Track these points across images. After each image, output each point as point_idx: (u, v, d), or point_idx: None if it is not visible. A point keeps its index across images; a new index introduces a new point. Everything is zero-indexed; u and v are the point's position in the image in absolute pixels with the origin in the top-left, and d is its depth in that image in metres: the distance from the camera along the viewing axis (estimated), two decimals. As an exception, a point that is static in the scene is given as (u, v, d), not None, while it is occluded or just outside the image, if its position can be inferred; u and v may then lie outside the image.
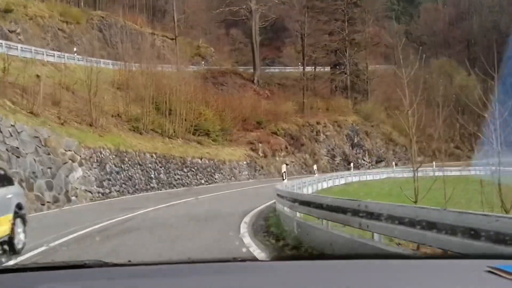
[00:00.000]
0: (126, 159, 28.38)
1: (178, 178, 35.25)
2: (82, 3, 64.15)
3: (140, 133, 34.30)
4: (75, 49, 43.62)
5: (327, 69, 73.17)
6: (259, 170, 47.92)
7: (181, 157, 36.37)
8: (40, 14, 51.70)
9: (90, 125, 28.67)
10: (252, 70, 69.98)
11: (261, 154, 49.50)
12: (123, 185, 27.19)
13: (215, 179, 40.17)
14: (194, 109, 44.70)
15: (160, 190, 31.95)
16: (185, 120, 42.02)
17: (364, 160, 64.87)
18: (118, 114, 34.68)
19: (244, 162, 45.79)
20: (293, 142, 55.56)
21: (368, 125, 67.64)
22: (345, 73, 70.95)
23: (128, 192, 27.46)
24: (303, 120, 59.69)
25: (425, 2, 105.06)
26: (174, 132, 39.75)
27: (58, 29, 52.13)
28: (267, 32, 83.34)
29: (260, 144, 49.87)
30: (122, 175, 27.30)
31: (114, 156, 27.06)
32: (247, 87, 64.55)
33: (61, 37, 51.61)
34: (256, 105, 57.05)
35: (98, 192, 24.59)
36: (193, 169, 37.45)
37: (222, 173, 41.36)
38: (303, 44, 66.55)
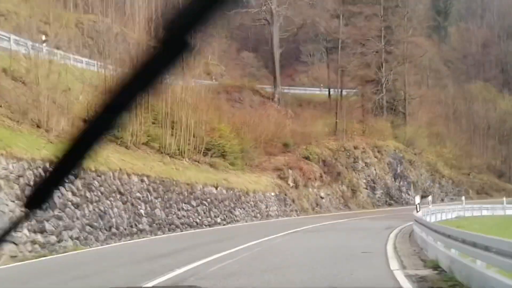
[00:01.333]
0: (96, 183, 16.75)
1: (183, 216, 23.62)
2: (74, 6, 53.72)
3: (126, 147, 22.83)
4: (43, 37, 32.44)
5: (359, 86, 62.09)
6: (290, 205, 36.25)
7: (188, 184, 24.81)
8: (15, 11, 41.09)
9: (38, 127, 17.37)
10: (272, 88, 59.04)
11: (291, 184, 37.89)
12: (88, 228, 15.43)
13: (235, 216, 28.55)
14: (205, 122, 33.49)
15: (155, 234, 20.36)
16: (194, 135, 30.68)
17: (408, 194, 53.09)
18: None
19: (272, 194, 34.19)
20: (328, 170, 44.00)
21: (410, 153, 56.10)
22: (381, 91, 59.95)
23: (97, 240, 15.77)
24: (337, 143, 48.22)
25: (460, 20, 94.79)
26: (179, 149, 28.32)
27: (39, 31, 41.46)
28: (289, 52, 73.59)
29: (290, 171, 38.30)
30: (86, 211, 15.55)
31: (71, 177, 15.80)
32: (267, 106, 53.28)
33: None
34: (280, 123, 45.71)
35: (34, 243, 12.92)
36: (205, 202, 25.84)
37: (244, 208, 29.73)
38: (337, 55, 55.62)
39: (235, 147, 35.34)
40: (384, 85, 59.59)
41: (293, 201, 36.88)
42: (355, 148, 49.49)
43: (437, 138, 63.48)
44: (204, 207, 25.67)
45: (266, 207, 32.71)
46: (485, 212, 41.01)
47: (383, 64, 59.65)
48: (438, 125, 64.76)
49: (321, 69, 67.63)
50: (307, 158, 42.21)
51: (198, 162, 30.42)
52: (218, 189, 27.64)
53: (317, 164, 42.77)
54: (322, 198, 41.23)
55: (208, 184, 26.71)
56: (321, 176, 42.03)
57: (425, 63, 71.04)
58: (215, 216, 26.32)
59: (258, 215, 31.32)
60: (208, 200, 26.25)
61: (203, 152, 31.64)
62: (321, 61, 70.11)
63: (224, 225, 26.92)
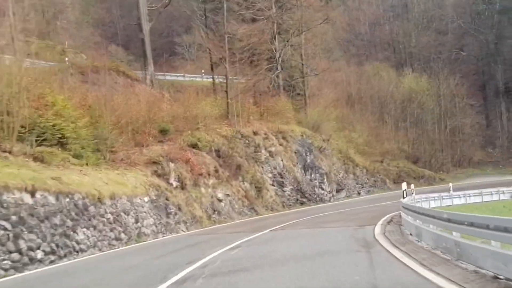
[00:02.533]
0: None
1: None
2: None
3: None
4: None
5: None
6: (175, 214, 23.97)
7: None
8: None
9: None
10: (143, 73, 46.46)
11: (174, 183, 25.66)
12: None
13: (76, 243, 15.92)
14: (33, 98, 20.72)
15: None
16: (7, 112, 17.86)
17: (322, 188, 42.80)
18: None
19: (146, 199, 21.75)
20: (224, 163, 32.34)
21: (319, 139, 45.97)
22: (277, 68, 49.46)
23: None
24: (232, 129, 36.69)
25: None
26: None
27: None
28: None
29: (171, 165, 26.06)
30: None
31: None
32: (136, 88, 40.59)
33: None
34: (154, 105, 33.31)
35: None
36: (11, 220, 13.16)
37: (95, 228, 17.13)
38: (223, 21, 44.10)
39: (83, 132, 22.60)
40: (279, 60, 49.21)
41: (179, 208, 24.61)
42: (255, 134, 38.24)
43: (343, 121, 54.23)
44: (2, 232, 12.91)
45: (136, 221, 20.22)
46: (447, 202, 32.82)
47: (276, 36, 49.37)
48: (342, 107, 55.52)
49: (202, 60, 55.91)
50: (195, 146, 30.16)
51: (10, 152, 17.44)
52: (38, 196, 14.90)
53: (209, 155, 30.92)
54: (220, 201, 29.39)
55: (12, 188, 13.91)
56: (216, 171, 30.20)
57: (319, 41, 61.89)
58: (29, 249, 13.60)
59: (123, 235, 18.81)
60: (13, 218, 13.50)
61: (24, 138, 18.72)
62: (200, 51, 58.47)
63: (48, 264, 14.28)
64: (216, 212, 28.18)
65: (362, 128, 54.36)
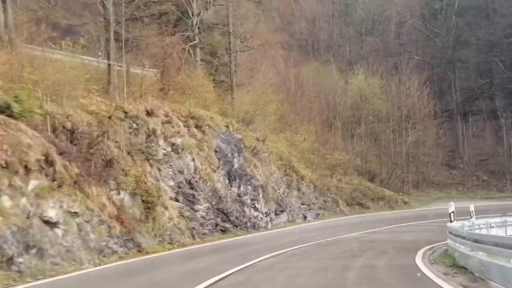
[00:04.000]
0: None
1: None
2: None
3: None
4: None
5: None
6: None
7: None
8: None
9: None
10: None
11: None
12: None
13: None
14: None
15: None
16: None
17: (256, 208, 28.02)
18: None
19: None
20: (79, 154, 17.07)
21: (251, 136, 31.40)
22: (194, 38, 34.72)
23: None
24: (111, 104, 21.40)
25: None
26: None
27: None
28: None
29: None
30: None
31: None
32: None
33: None
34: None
35: None
36: None
37: None
38: None
39: None
40: (196, 28, 34.51)
41: None
42: (150, 114, 22.92)
43: (284, 120, 40.05)
44: None
45: None
46: None
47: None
48: (283, 101, 41.31)
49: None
50: (6, 110, 14.72)
51: None
52: None
53: (40, 133, 15.50)
54: (52, 225, 13.99)
55: None
56: (50, 163, 14.81)
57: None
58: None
59: None
60: None
61: None
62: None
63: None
64: (29, 252, 12.67)
65: (307, 131, 40.27)
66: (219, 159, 26.24)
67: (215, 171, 25.70)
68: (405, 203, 44.15)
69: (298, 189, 34.63)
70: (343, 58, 67.64)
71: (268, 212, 29.01)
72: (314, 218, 35.02)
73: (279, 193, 31.81)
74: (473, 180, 56.39)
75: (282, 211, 31.74)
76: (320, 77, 52.76)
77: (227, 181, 26.49)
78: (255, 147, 30.31)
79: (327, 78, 53.44)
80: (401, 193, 46.10)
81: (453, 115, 61.86)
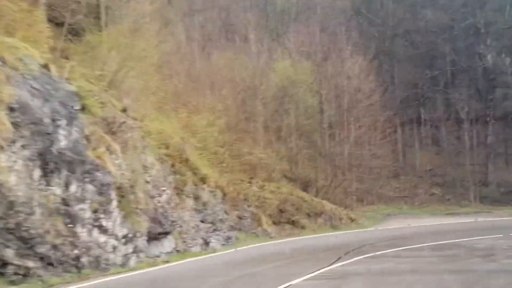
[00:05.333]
0: None
1: None
2: None
3: None
4: None
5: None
6: None
7: None
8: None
9: None
10: None
11: None
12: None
13: None
14: None
15: None
16: None
17: (103, 230, 14.54)
18: None
19: None
20: None
21: (108, 102, 17.94)
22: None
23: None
24: None
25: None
26: None
27: None
28: None
29: None
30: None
31: None
32: None
33: None
34: None
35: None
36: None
37: None
38: None
39: None
40: None
41: None
42: None
43: (178, 94, 26.72)
44: None
45: None
46: None
47: None
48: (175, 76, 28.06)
49: None
50: None
51: None
52: None
53: None
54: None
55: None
56: None
57: None
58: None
59: None
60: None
61: None
62: None
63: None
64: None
65: (214, 114, 27.10)
66: (18, 126, 12.57)
67: (4, 148, 12.02)
68: (352, 221, 31.80)
69: (197, 198, 21.23)
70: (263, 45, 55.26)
71: (132, 236, 15.42)
72: (223, 245, 21.77)
73: (159, 202, 18.31)
74: (426, 192, 45.27)
75: (164, 234, 18.27)
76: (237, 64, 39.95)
77: (36, 172, 12.84)
78: (113, 121, 16.78)
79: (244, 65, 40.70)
80: (344, 208, 33.74)
81: (393, 119, 50.61)
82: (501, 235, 24.85)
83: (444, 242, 22.72)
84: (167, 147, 20.47)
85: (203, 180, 21.94)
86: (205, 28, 49.13)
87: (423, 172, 47.94)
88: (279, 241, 25.17)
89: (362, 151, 37.70)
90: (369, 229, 30.37)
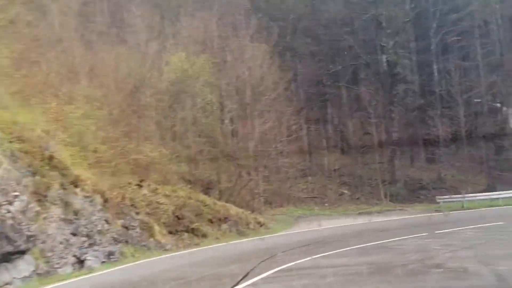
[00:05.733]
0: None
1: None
2: None
3: None
4: None
5: None
6: None
7: None
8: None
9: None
10: None
11: None
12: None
13: None
14: None
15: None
16: None
17: None
18: None
19: None
20: None
21: None
22: None
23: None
24: None
25: None
26: None
27: None
28: None
29: None
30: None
31: None
32: None
33: None
34: None
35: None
36: None
37: None
38: None
39: None
40: None
41: None
42: None
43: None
44: None
45: None
46: None
47: None
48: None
49: None
50: None
51: None
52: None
53: None
54: None
55: None
56: None
57: None
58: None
59: None
60: None
61: None
62: None
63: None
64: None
65: (91, 104, 22.48)
66: None
67: None
68: (261, 225, 28.14)
69: (66, 205, 16.61)
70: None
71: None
72: (104, 262, 17.28)
73: (8, 211, 13.65)
74: (336, 192, 42.71)
75: (18, 253, 13.63)
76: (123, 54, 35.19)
77: None
78: None
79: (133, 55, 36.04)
80: (251, 211, 30.04)
81: (301, 112, 47.70)
82: (426, 233, 22.20)
83: (367, 244, 19.60)
84: (22, 140, 15.72)
85: (75, 182, 17.33)
86: (89, 17, 43.97)
87: (331, 171, 45.54)
88: (175, 253, 20.98)
89: (269, 149, 34.29)
90: (280, 233, 26.85)
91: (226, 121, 33.36)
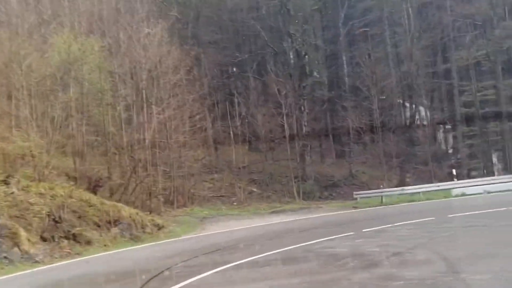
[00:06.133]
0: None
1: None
2: None
3: None
4: None
5: None
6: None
7: None
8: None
9: None
10: None
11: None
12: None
13: None
14: None
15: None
16: None
17: None
18: None
19: None
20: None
21: None
22: None
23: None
24: None
25: None
26: None
27: None
28: None
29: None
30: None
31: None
32: None
33: None
34: None
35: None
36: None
37: None
38: None
39: None
40: None
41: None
42: None
43: None
44: None
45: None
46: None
47: None
48: None
49: None
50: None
51: None
52: None
53: None
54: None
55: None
56: None
57: None
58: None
59: None
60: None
61: None
62: None
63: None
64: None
65: None
66: None
67: None
68: (160, 228, 23.79)
69: None
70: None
71: None
72: None
73: None
74: (245, 190, 39.06)
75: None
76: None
77: None
78: None
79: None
80: (149, 212, 25.62)
81: (205, 102, 43.39)
82: (353, 232, 19.04)
83: (289, 248, 16.05)
84: None
85: None
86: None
87: (239, 167, 41.91)
88: (47, 266, 16.37)
89: (169, 141, 29.95)
90: (182, 237, 22.70)
91: (119, 108, 28.63)
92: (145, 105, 28.44)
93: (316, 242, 17.11)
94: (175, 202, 30.58)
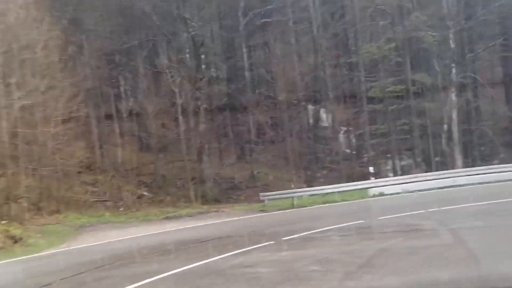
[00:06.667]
0: None
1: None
2: None
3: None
4: None
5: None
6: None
7: None
8: None
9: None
10: None
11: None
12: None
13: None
14: None
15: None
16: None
17: None
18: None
19: None
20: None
21: None
22: None
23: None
24: None
25: None
26: None
27: None
28: None
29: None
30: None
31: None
32: None
33: None
34: None
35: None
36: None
37: None
38: None
39: None
40: None
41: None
42: None
43: None
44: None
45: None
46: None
47: None
48: None
49: None
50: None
51: None
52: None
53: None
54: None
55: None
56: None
57: None
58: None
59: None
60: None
61: None
62: None
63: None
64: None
65: None
66: None
67: None
68: (16, 242, 18.04)
69: None
70: None
71: None
72: None
73: None
74: (134, 194, 33.61)
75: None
76: None
77: None
78: None
79: None
80: (4, 220, 19.77)
81: (87, 93, 37.11)
82: (272, 242, 14.68)
83: (188, 268, 11.34)
84: None
85: None
86: None
87: (127, 169, 36.33)
88: None
89: (35, 131, 24.03)
90: (44, 253, 17.10)
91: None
92: (1, 86, 22.36)
93: (226, 256, 12.52)
94: (46, 208, 24.63)
